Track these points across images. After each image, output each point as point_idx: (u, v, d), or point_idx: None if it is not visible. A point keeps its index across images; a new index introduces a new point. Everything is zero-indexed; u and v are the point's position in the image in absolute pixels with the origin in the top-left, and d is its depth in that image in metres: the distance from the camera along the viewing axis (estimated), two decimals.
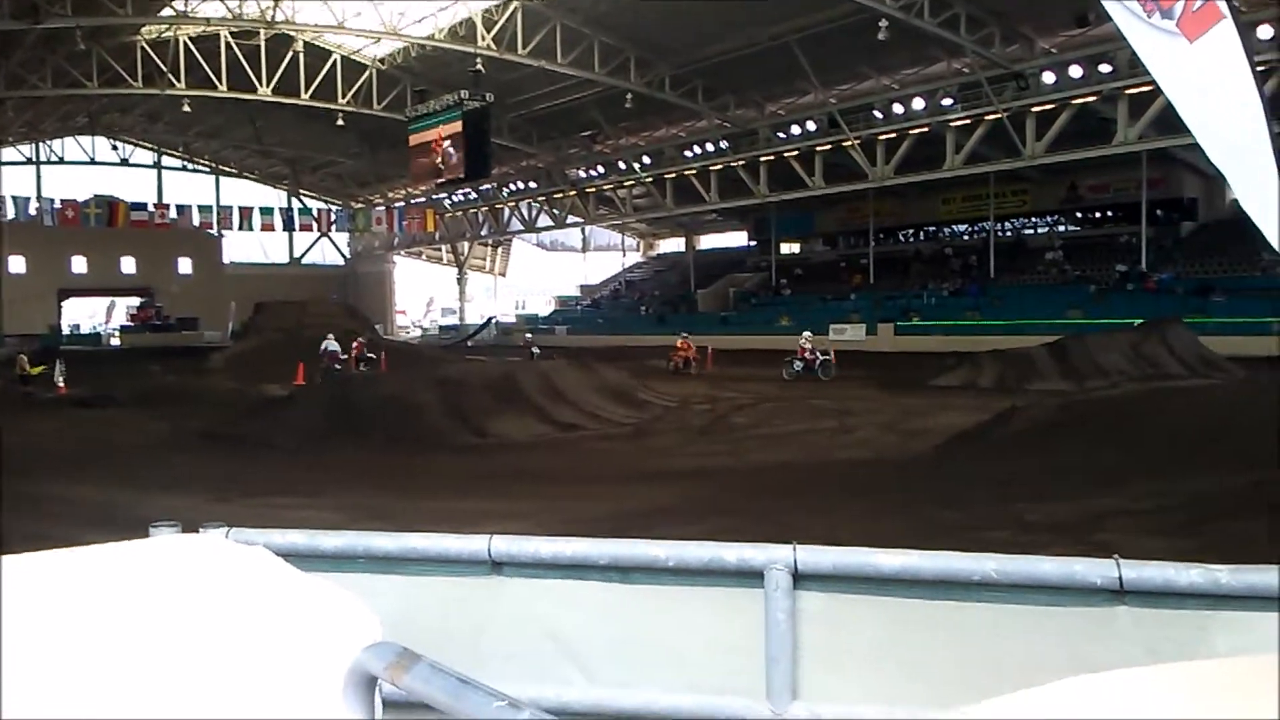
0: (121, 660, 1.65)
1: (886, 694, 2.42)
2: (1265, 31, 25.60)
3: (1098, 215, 42.63)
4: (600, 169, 49.25)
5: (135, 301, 58.89)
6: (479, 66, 36.54)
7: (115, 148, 58.22)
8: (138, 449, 15.04)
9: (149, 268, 59.12)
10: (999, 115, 32.46)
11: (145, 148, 59.23)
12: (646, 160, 46.45)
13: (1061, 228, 43.95)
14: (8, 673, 1.43)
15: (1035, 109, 31.98)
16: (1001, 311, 36.93)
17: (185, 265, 61.53)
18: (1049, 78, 31.57)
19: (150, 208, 51.42)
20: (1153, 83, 4.88)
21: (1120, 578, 2.27)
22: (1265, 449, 9.63)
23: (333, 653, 1.74)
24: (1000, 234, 44.14)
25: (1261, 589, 2.19)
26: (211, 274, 60.57)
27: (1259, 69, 4.63)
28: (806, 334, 28.54)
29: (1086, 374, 21.81)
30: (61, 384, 25.29)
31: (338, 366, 27.86)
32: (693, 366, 29.64)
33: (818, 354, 27.11)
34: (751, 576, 2.51)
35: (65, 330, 55.81)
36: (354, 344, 30.32)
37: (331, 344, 28.57)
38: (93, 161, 57.48)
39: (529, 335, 39.92)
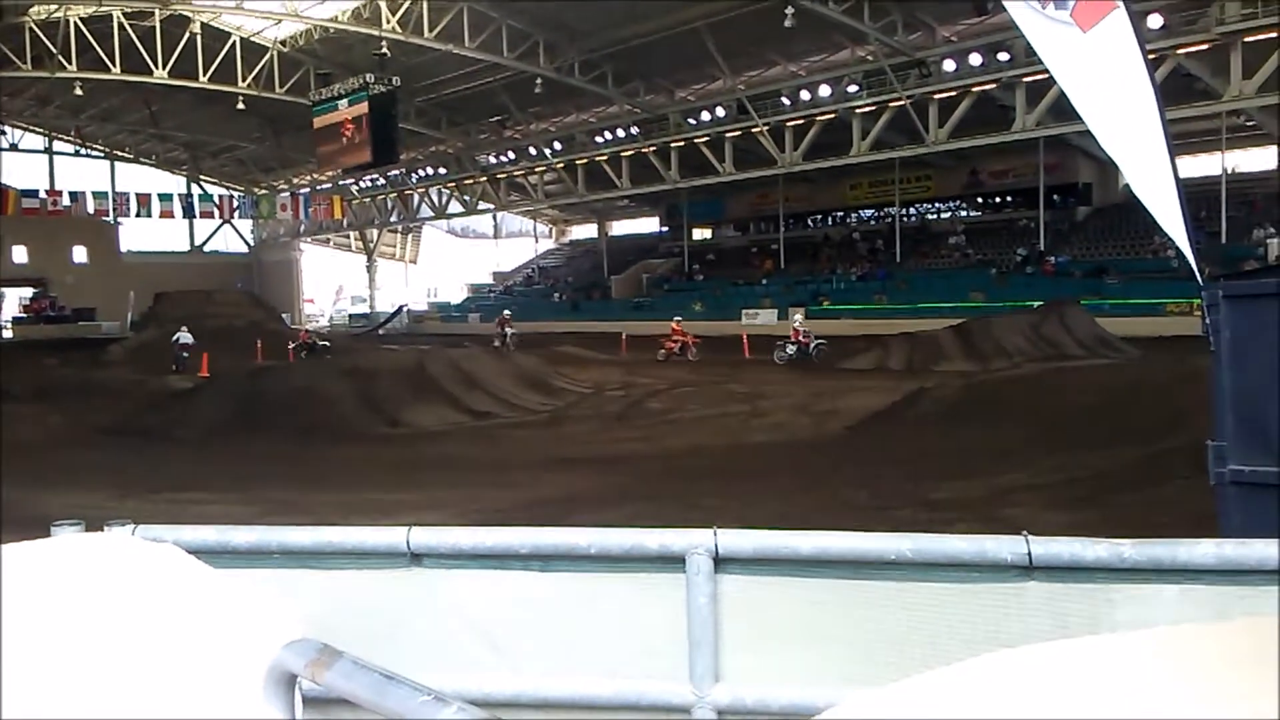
0: (26, 664, 1.60)
1: (807, 673, 2.46)
2: (1155, 20, 26.53)
3: (998, 200, 43.75)
4: (511, 154, 48.84)
5: (28, 292, 56.68)
6: (384, 50, 35.91)
7: (3, 132, 55.75)
8: (34, 445, 14.47)
9: (42, 257, 56.91)
10: (903, 102, 33.10)
11: (35, 132, 56.86)
12: (557, 146, 46.25)
13: (964, 212, 45.02)
14: None
15: (937, 96, 32.72)
16: (908, 295, 37.73)
17: (80, 254, 59.37)
18: (950, 65, 32.31)
19: (42, 195, 49.39)
20: (1049, 71, 5.01)
21: (1029, 553, 2.34)
22: (1159, 424, 10.04)
23: (251, 651, 1.70)
24: (905, 219, 45.04)
25: (1163, 561, 2.28)
26: (109, 263, 58.51)
27: (1150, 57, 4.78)
28: (799, 316, 28.33)
29: (990, 355, 22.45)
30: None
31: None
32: (690, 352, 27.78)
33: (811, 336, 26.17)
34: (673, 562, 2.52)
35: None
36: (301, 332, 31.98)
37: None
38: None
39: (507, 313, 36.60)
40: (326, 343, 30.80)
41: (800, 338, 26.14)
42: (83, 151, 58.94)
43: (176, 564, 2.00)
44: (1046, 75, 4.95)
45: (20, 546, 1.96)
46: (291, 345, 30.87)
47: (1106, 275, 33.88)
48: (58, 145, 58.36)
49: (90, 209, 49.82)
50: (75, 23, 36.34)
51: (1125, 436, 10.26)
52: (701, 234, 54.74)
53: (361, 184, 57.69)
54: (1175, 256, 25.75)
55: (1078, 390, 13.55)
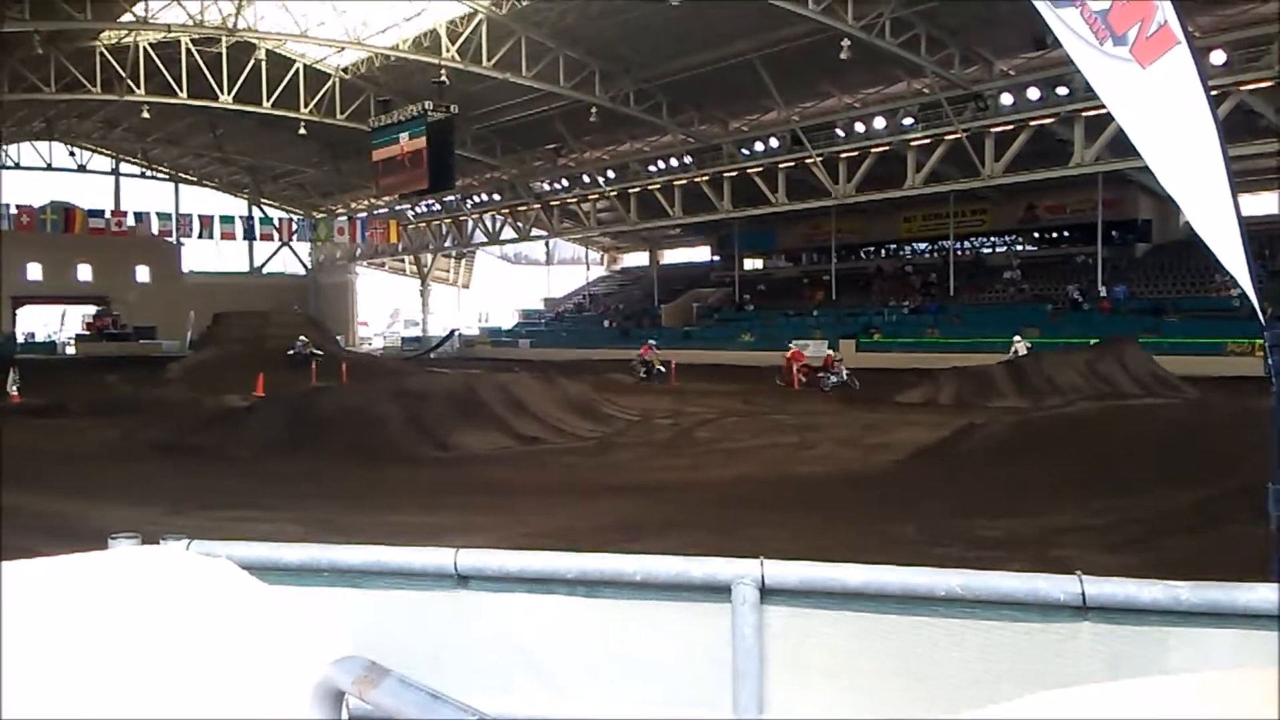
0: (83, 673, 1.63)
1: (851, 707, 2.43)
2: (1218, 57, 26.16)
3: (1054, 235, 43.22)
4: (564, 182, 49.25)
5: (88, 310, 58.09)
6: (443, 78, 36.44)
7: (73, 154, 57.27)
8: (93, 459, 14.78)
9: (106, 276, 58.26)
10: (958, 135, 32.90)
11: (103, 154, 58.36)
12: (611, 174, 46.52)
13: (1019, 247, 44.51)
14: None
15: (994, 129, 32.47)
16: (961, 329, 37.31)
17: (143, 273, 60.70)
18: (1007, 99, 32.05)
19: (108, 215, 50.72)
20: (1107, 107, 4.95)
21: (1083, 594, 2.29)
22: (1217, 466, 9.81)
23: (299, 666, 1.72)
24: (959, 253, 44.61)
25: (1221, 605, 2.23)
26: (170, 283, 59.78)
27: (1212, 93, 4.70)
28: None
29: (1043, 392, 22.07)
30: (15, 393, 24.82)
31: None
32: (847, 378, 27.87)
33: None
34: (719, 591, 2.51)
35: (20, 339, 54.86)
36: (644, 346, 33.56)
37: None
38: (49, 167, 56.49)
39: (795, 345, 33.58)
40: (663, 369, 31.61)
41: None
42: (149, 174, 60.41)
43: (229, 578, 2.03)
44: (1106, 110, 4.87)
45: (80, 557, 2.00)
46: (640, 365, 31.95)
47: (1166, 313, 33.26)
48: (124, 167, 59.83)
49: (154, 230, 51.09)
50: (145, 48, 37.30)
51: (1182, 478, 10.03)
52: (753, 264, 54.70)
53: (417, 209, 58.48)
54: (1237, 295, 25.24)
55: (1133, 430, 13.27)
